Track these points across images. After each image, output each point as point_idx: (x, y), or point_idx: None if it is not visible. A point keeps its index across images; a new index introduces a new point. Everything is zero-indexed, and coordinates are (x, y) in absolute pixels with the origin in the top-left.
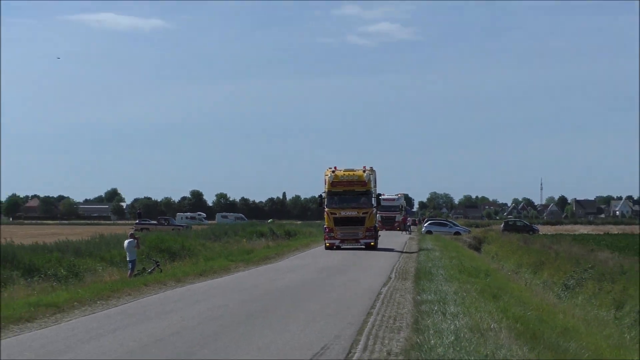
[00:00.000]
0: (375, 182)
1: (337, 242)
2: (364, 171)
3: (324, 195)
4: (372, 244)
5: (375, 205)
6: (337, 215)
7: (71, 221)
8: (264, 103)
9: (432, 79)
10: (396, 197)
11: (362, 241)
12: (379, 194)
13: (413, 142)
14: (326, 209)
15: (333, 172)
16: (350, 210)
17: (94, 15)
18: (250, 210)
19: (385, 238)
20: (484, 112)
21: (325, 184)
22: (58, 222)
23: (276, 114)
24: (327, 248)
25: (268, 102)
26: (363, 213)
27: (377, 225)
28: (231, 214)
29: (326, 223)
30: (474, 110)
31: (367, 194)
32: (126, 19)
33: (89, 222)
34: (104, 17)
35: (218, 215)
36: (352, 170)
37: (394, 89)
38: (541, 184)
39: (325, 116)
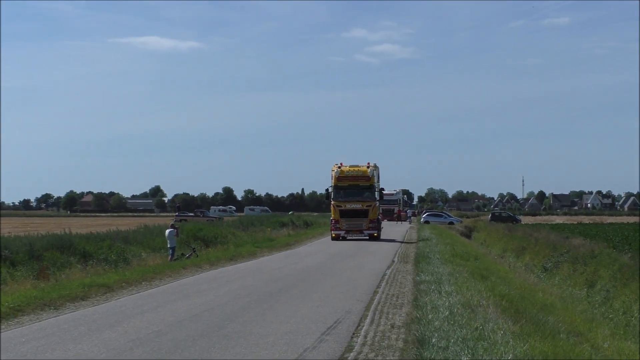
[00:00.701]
0: (379, 178)
1: (342, 233)
2: (368, 167)
3: (330, 189)
4: (375, 234)
5: (378, 198)
6: (343, 208)
7: (120, 214)
8: (285, 113)
9: (428, 91)
10: (395, 192)
11: (365, 232)
12: (381, 189)
13: (413, 146)
14: (332, 202)
15: (339, 167)
16: (355, 203)
17: (140, 38)
18: (273, 203)
19: (388, 228)
20: (473, 120)
21: (332, 178)
22: (109, 214)
23: (295, 122)
24: (333, 239)
25: (288, 111)
26: (367, 206)
27: (379, 217)
28: (257, 207)
29: (332, 215)
30: (465, 118)
31: (371, 188)
32: (167, 42)
33: (135, 214)
34: (148, 40)
35: (246, 209)
36: (357, 166)
37: (395, 100)
38: (523, 181)
39: (336, 124)
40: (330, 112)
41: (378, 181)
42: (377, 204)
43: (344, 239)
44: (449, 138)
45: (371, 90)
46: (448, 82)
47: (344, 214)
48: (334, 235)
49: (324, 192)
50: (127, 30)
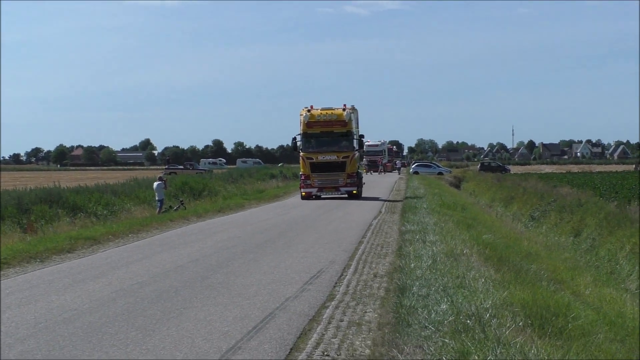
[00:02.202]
0: (357, 123)
1: (314, 190)
2: (344, 110)
3: (298, 138)
4: (354, 192)
5: (357, 148)
6: (314, 161)
7: (110, 167)
8: (274, 65)
9: (417, 42)
10: (379, 142)
11: (342, 189)
12: (361, 136)
13: (403, 97)
14: (301, 154)
15: (309, 111)
16: (328, 155)
17: None
18: (263, 155)
19: (376, 179)
20: (463, 70)
21: (301, 124)
22: (99, 168)
23: (285, 74)
24: (303, 198)
25: (277, 63)
26: (343, 157)
27: (360, 171)
28: (250, 159)
29: (302, 169)
30: (454, 68)
31: (348, 135)
32: None
33: (125, 168)
34: None
35: (238, 161)
36: (331, 109)
37: (385, 51)
38: (512, 130)
39: (326, 75)
40: (319, 63)
41: (357, 127)
42: (357, 155)
43: (317, 197)
44: (439, 89)
45: (360, 41)
46: (437, 33)
47: (316, 167)
48: (304, 193)
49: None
50: None
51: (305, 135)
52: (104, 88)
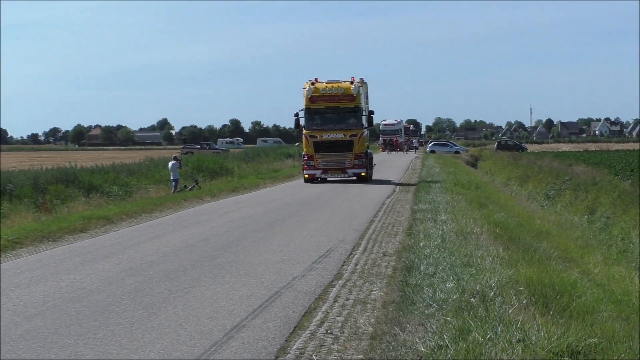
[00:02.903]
0: (367, 97)
1: (318, 172)
2: (352, 83)
3: (301, 114)
4: (362, 174)
5: (366, 125)
6: (318, 139)
7: (128, 147)
8: (292, 42)
9: (437, 18)
10: (396, 121)
11: (350, 171)
12: (371, 112)
13: (421, 75)
14: (304, 132)
15: (312, 84)
16: (334, 132)
17: None
18: (281, 134)
19: (392, 158)
20: (481, 48)
21: (304, 99)
22: (116, 148)
23: (302, 51)
24: (306, 180)
25: (295, 41)
26: (351, 135)
27: (370, 151)
28: (270, 138)
29: (304, 149)
30: (473, 46)
31: (356, 111)
32: None
33: (142, 147)
34: None
35: (259, 140)
36: (337, 81)
37: (405, 29)
38: (531, 109)
39: (343, 52)
40: (336, 40)
41: (366, 102)
42: (366, 133)
43: (323, 180)
44: (457, 67)
45: (378, 18)
46: (456, 9)
47: (320, 147)
48: (306, 176)
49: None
50: None
51: (308, 111)
52: (122, 67)
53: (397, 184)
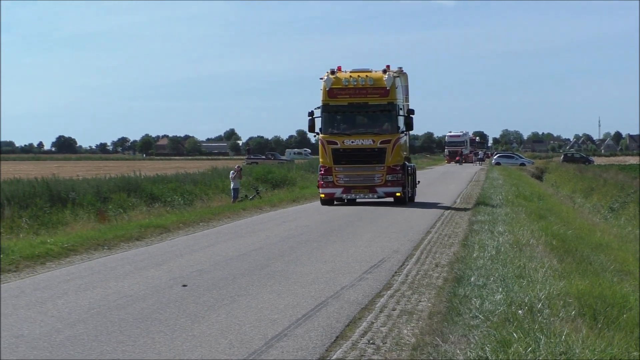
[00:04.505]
0: (407, 92)
1: (338, 191)
2: (385, 72)
3: (317, 112)
4: (398, 194)
5: (404, 129)
6: (339, 147)
7: (194, 157)
8: (360, 54)
9: (504, 31)
10: (461, 133)
11: (380, 190)
12: (411, 111)
13: (488, 87)
14: (320, 136)
15: (332, 73)
16: (360, 138)
17: None
18: None
19: (460, 168)
20: (551, 60)
21: (322, 94)
22: (183, 157)
23: (370, 63)
24: (323, 202)
25: (363, 53)
26: (382, 142)
27: (412, 164)
28: None
29: (320, 159)
30: (542, 58)
31: (390, 109)
32: None
33: (209, 157)
34: None
35: None
36: (365, 70)
37: (470, 41)
38: (599, 121)
39: (412, 64)
40: (405, 53)
41: (406, 99)
42: (404, 140)
43: (343, 201)
44: (525, 79)
45: (447, 31)
46: (525, 22)
47: (342, 156)
48: (322, 195)
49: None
50: None
51: (326, 109)
52: (191, 77)
53: (447, 208)
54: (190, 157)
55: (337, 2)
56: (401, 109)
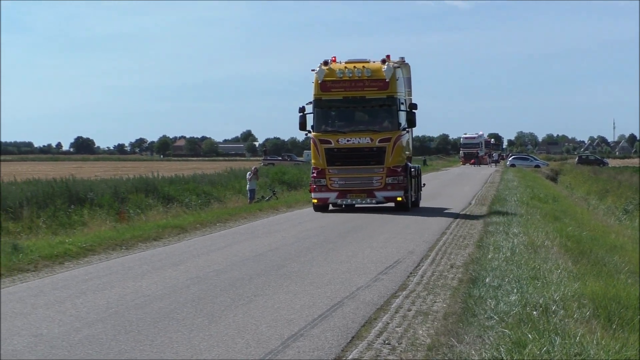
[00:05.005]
0: (409, 85)
1: (332, 196)
2: (385, 62)
3: (309, 107)
4: (399, 198)
5: (406, 126)
6: (333, 146)
7: (211, 158)
8: (376, 56)
9: (519, 34)
10: (476, 135)
11: (379, 194)
12: (413, 106)
13: (503, 89)
14: (312, 134)
15: (326, 64)
16: (357, 136)
17: None
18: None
19: (475, 170)
20: (565, 63)
21: (314, 87)
22: (200, 158)
23: None
24: (316, 209)
25: (379, 55)
26: (381, 140)
27: (417, 165)
28: None
29: (312, 160)
30: (557, 61)
31: (390, 103)
32: None
33: (226, 158)
34: None
35: None
36: (363, 61)
37: (485, 45)
38: (614, 124)
39: (427, 66)
40: (419, 54)
41: (408, 92)
42: (406, 138)
43: (340, 207)
44: (540, 81)
45: (461, 33)
46: (539, 24)
47: (336, 157)
48: (315, 200)
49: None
50: None
51: (319, 104)
52: (207, 79)
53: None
54: (207, 158)
55: (353, 3)
56: (402, 103)
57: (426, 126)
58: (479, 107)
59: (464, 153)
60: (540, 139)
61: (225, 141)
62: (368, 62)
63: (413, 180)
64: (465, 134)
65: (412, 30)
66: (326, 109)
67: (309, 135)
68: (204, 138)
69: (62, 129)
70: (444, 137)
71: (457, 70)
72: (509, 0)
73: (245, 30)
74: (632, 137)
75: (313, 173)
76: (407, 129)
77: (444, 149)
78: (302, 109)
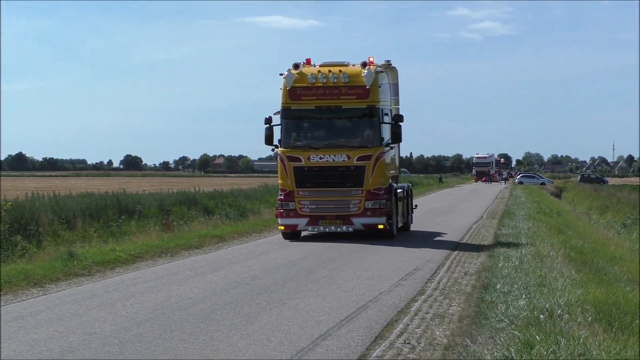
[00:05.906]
0: (396, 92)
1: (302, 222)
2: (365, 66)
3: (276, 118)
4: (380, 226)
5: (389, 141)
6: (303, 164)
7: (247, 175)
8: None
9: (526, 63)
10: (487, 155)
11: (357, 221)
12: (398, 118)
13: (512, 113)
14: (279, 150)
15: (297, 68)
16: (331, 152)
17: (264, 18)
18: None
19: (486, 187)
20: (568, 89)
21: (282, 95)
22: (237, 175)
23: (406, 93)
24: (285, 236)
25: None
26: (359, 158)
27: (400, 185)
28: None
29: (280, 180)
30: (560, 87)
31: (371, 114)
32: (289, 20)
33: (261, 175)
34: (272, 19)
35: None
36: (339, 64)
37: (496, 73)
38: (613, 146)
39: (442, 94)
40: (435, 84)
41: (394, 101)
42: (390, 155)
43: (311, 233)
44: (546, 105)
45: (474, 63)
46: (544, 55)
47: (306, 177)
48: (282, 227)
49: (429, 155)
50: (253, 11)
51: (287, 114)
52: (244, 102)
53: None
54: (243, 175)
55: (371, 33)
56: (386, 114)
57: (443, 146)
58: (490, 129)
59: (476, 171)
60: (545, 159)
61: (260, 159)
62: (346, 65)
63: (400, 203)
64: (478, 153)
65: (430, 59)
66: (296, 120)
67: (276, 150)
68: (240, 156)
69: (113, 148)
70: (458, 157)
71: (470, 95)
72: (517, 33)
73: (282, 57)
74: (630, 158)
75: (280, 195)
76: (391, 145)
77: (458, 168)
78: (268, 120)
